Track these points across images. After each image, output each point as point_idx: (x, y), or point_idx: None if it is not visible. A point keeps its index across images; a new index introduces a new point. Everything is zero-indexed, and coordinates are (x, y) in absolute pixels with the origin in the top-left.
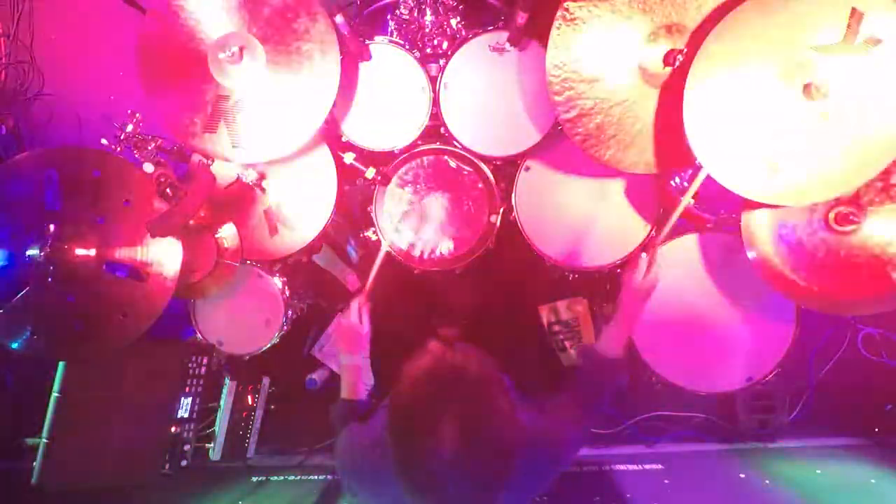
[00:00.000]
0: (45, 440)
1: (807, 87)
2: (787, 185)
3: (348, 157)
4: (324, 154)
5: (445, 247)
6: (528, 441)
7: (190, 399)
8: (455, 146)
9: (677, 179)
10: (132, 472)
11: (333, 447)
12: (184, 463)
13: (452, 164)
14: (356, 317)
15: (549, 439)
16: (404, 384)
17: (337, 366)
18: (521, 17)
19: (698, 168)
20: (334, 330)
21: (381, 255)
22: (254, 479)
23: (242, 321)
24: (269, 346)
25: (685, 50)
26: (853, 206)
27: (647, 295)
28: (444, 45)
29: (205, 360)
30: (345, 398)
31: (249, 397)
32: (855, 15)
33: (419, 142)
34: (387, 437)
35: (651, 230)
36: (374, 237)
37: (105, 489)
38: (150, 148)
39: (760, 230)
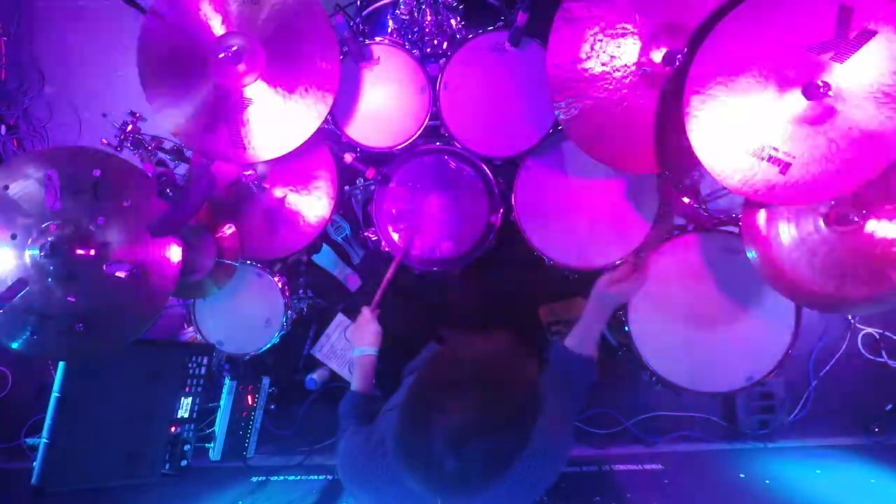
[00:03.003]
0: (45, 440)
1: (807, 88)
2: (788, 185)
3: (348, 157)
4: (324, 154)
5: (445, 247)
6: (533, 449)
7: (190, 399)
8: (455, 146)
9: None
10: (132, 472)
11: (336, 446)
12: (184, 463)
13: (452, 164)
14: (370, 319)
15: (551, 449)
16: (460, 352)
17: (337, 366)
18: (521, 17)
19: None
20: (352, 323)
21: (394, 264)
22: (254, 479)
23: (242, 321)
24: (269, 346)
25: (685, 50)
26: (853, 206)
27: (615, 301)
28: (444, 45)
29: (205, 360)
30: (356, 391)
31: (249, 397)
32: (843, 11)
33: (419, 142)
34: (405, 392)
35: (650, 231)
36: (374, 237)
37: (105, 489)
38: (150, 148)
39: (760, 230)
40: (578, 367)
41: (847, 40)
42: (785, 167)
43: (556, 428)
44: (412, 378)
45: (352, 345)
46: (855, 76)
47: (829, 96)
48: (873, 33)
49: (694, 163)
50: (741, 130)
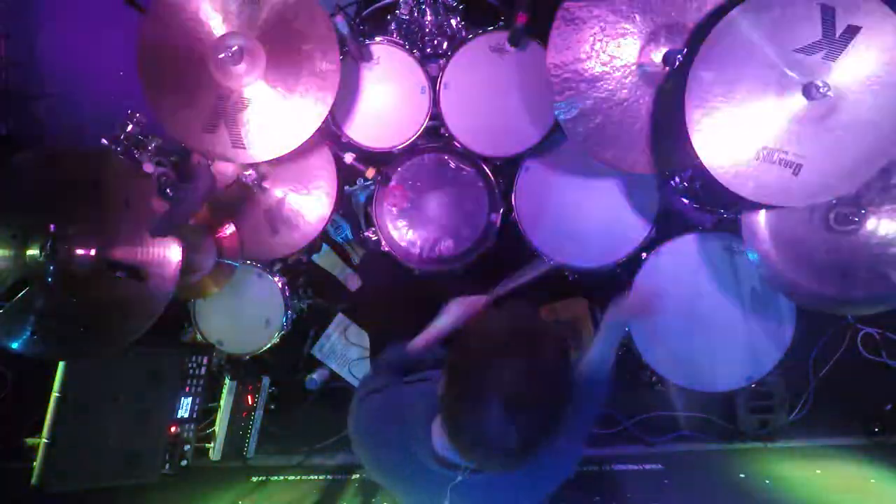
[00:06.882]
0: (45, 440)
1: (807, 88)
2: (803, 185)
3: (348, 157)
4: (324, 154)
5: (445, 247)
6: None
7: (190, 399)
8: (455, 146)
9: (677, 179)
10: (132, 472)
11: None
12: (184, 463)
13: (452, 164)
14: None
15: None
16: (494, 325)
17: (337, 366)
18: (521, 18)
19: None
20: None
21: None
22: (254, 479)
23: (242, 321)
24: (269, 346)
25: (685, 50)
26: (853, 206)
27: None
28: (444, 45)
29: (205, 360)
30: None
31: (249, 397)
32: (825, 10)
33: (419, 142)
34: (447, 369)
35: (651, 230)
36: (374, 237)
37: (105, 489)
38: (150, 148)
39: (760, 230)
40: (603, 385)
41: (834, 39)
42: (797, 168)
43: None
44: (446, 364)
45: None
46: (851, 70)
47: (830, 96)
48: (857, 29)
49: (691, 162)
50: (748, 139)
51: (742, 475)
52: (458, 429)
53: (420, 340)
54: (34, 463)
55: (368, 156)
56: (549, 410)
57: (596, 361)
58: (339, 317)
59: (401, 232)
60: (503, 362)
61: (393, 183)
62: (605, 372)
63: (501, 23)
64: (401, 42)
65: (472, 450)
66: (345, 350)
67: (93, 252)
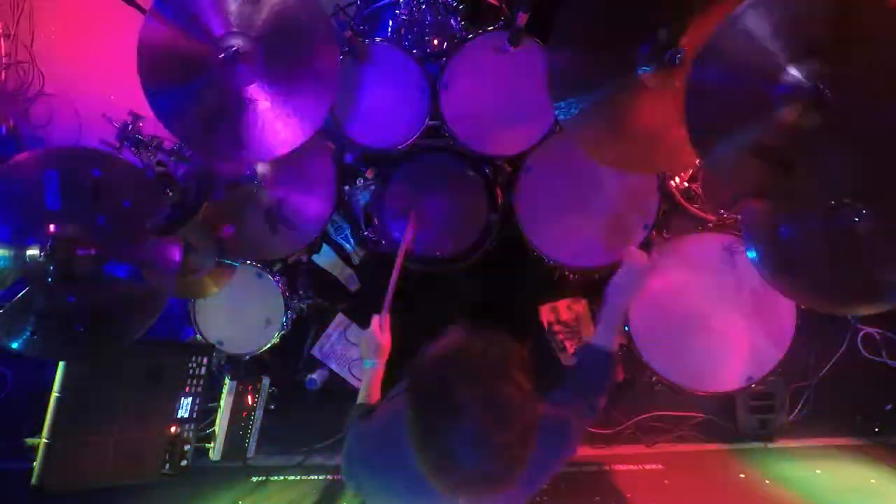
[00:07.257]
0: (45, 440)
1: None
2: (789, 185)
3: (348, 158)
4: (324, 154)
5: (445, 246)
6: (542, 428)
7: (190, 399)
8: (455, 146)
9: (677, 179)
10: (132, 472)
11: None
12: (184, 463)
13: (452, 163)
14: (379, 327)
15: (559, 430)
16: (427, 364)
17: (337, 366)
18: (521, 17)
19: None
20: (354, 325)
21: (397, 270)
22: (254, 479)
23: (242, 321)
24: (269, 346)
25: (685, 50)
26: (853, 205)
27: (633, 289)
28: (444, 45)
29: (205, 360)
30: (362, 403)
31: (249, 397)
32: None
33: (419, 142)
34: (407, 414)
35: (651, 230)
36: (374, 237)
37: (105, 489)
38: (150, 148)
39: (760, 230)
40: (607, 363)
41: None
42: (790, 165)
43: (569, 418)
44: (405, 397)
45: (361, 356)
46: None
47: (829, 95)
48: None
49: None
50: (740, 127)
51: (742, 475)
52: (435, 467)
53: (369, 394)
54: (34, 463)
55: (368, 156)
56: (512, 450)
57: (595, 347)
58: (339, 317)
59: (401, 232)
60: (461, 404)
61: (393, 183)
62: (604, 357)
63: (501, 23)
64: (401, 42)
65: (458, 487)
66: (345, 350)
67: (93, 252)
